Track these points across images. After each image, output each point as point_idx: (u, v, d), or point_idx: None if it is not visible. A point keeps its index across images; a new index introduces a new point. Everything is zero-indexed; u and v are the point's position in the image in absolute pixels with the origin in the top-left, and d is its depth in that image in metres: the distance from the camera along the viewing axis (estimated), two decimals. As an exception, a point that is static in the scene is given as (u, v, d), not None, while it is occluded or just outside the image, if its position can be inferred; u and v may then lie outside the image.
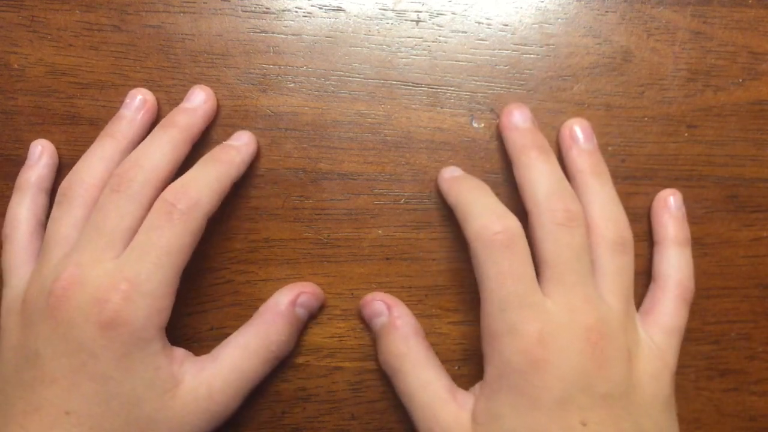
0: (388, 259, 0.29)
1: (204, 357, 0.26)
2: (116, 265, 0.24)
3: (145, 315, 0.23)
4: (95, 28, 0.29)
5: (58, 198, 0.26)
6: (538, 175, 0.26)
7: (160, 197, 0.25)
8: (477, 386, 0.25)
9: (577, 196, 0.26)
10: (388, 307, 0.28)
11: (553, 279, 0.24)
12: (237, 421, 0.29)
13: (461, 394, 0.25)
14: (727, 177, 0.29)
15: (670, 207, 0.28)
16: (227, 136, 0.29)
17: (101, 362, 0.23)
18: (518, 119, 0.28)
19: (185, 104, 0.28)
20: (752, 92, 0.29)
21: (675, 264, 0.27)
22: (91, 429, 0.23)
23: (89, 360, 0.23)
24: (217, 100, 0.29)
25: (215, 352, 0.26)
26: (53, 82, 0.29)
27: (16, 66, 0.29)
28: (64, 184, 0.26)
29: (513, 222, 0.24)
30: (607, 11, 0.29)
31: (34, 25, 0.29)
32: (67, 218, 0.26)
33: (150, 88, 0.29)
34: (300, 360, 0.29)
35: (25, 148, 0.29)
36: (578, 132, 0.28)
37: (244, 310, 0.29)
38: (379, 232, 0.29)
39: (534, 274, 0.24)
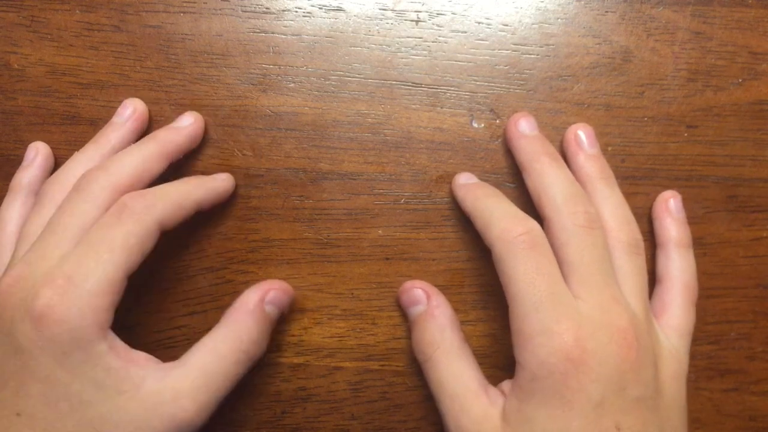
0: (388, 259, 0.29)
1: (171, 363, 0.25)
2: (59, 262, 0.23)
3: (79, 313, 0.22)
4: (95, 28, 0.29)
5: (36, 200, 0.27)
6: (554, 180, 0.26)
7: (118, 200, 0.25)
8: (506, 384, 0.25)
9: None
10: (427, 296, 0.28)
11: (580, 281, 0.24)
12: (237, 421, 0.29)
13: (492, 390, 0.25)
14: (727, 177, 0.29)
15: (671, 210, 0.28)
16: (227, 136, 0.29)
17: (42, 362, 0.22)
18: (525, 127, 0.28)
19: (172, 124, 0.28)
20: (752, 92, 0.29)
21: (680, 266, 0.28)
22: (44, 431, 0.22)
23: (30, 360, 0.22)
24: (217, 99, 0.29)
25: (184, 357, 0.25)
26: (53, 82, 0.29)
27: (16, 66, 0.29)
28: (43, 186, 0.27)
29: (534, 224, 0.24)
30: (607, 11, 0.29)
31: (35, 25, 0.29)
32: (37, 218, 0.26)
33: (150, 88, 0.29)
34: (300, 360, 0.29)
35: (25, 148, 0.29)
36: (583, 137, 0.28)
37: (244, 310, 0.29)
38: (379, 232, 0.29)
39: (561, 274, 0.24)
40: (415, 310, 0.28)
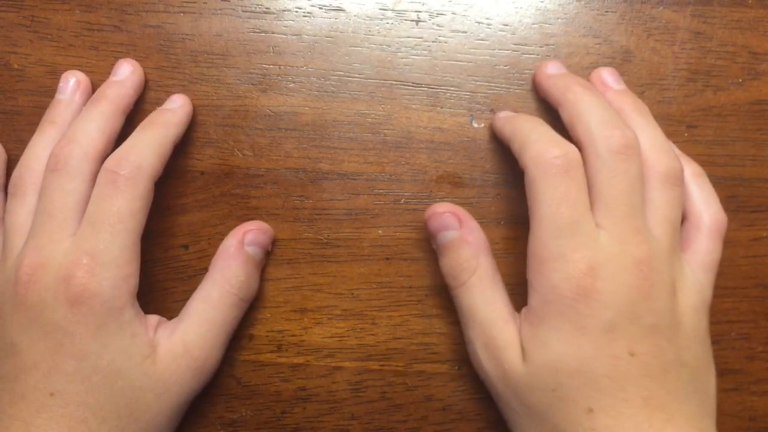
0: (388, 259, 0.29)
1: (174, 319, 0.26)
2: (73, 242, 0.24)
3: (111, 284, 0.24)
4: (95, 28, 0.29)
5: (10, 190, 0.27)
6: (589, 106, 0.25)
7: (102, 168, 0.25)
8: (523, 311, 0.25)
9: None
10: (460, 221, 0.27)
11: (604, 209, 0.24)
12: (237, 421, 0.29)
13: (519, 318, 0.25)
14: (727, 177, 0.29)
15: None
16: (227, 136, 0.29)
17: (77, 339, 0.23)
18: (552, 69, 0.28)
19: (112, 78, 0.28)
20: (752, 92, 0.29)
21: (700, 198, 0.27)
22: (78, 406, 0.23)
23: (65, 339, 0.23)
24: (217, 99, 0.29)
25: (183, 311, 0.26)
26: (53, 82, 0.29)
27: (16, 66, 0.29)
28: (14, 175, 0.27)
29: (572, 148, 0.24)
30: (607, 11, 0.29)
31: (35, 25, 0.29)
32: (21, 207, 0.26)
33: (150, 88, 0.29)
34: (300, 360, 0.29)
35: (26, 148, 0.29)
36: (607, 76, 0.28)
37: (244, 310, 0.29)
38: (379, 232, 0.29)
39: (588, 202, 0.24)
40: (447, 236, 0.27)
